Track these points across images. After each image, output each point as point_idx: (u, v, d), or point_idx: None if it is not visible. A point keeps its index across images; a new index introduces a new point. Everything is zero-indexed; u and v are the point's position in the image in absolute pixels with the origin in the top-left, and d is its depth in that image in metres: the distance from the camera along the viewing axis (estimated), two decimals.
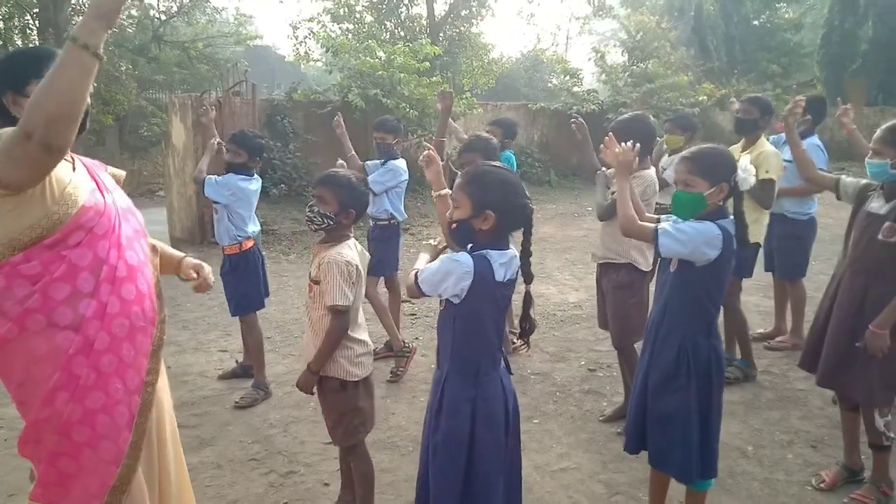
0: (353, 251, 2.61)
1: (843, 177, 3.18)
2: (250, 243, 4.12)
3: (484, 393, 2.10)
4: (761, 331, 4.94)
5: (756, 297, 5.80)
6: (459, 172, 3.73)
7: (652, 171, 3.47)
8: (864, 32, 19.55)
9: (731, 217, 2.49)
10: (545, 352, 4.77)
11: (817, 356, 2.96)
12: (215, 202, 4.03)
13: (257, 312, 4.21)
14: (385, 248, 4.55)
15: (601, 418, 3.71)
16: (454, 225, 2.09)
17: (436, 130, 4.27)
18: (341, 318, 2.53)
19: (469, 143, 3.48)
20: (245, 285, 4.10)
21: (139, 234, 1.97)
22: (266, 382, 4.14)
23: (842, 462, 3.07)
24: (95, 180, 1.88)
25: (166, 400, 2.07)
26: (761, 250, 4.40)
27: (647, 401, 2.54)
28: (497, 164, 2.22)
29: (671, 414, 2.45)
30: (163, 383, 2.04)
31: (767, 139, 4.42)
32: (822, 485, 3.00)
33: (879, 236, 2.76)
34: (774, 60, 19.95)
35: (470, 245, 2.10)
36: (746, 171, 2.42)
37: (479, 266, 2.00)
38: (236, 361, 4.45)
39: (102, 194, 1.86)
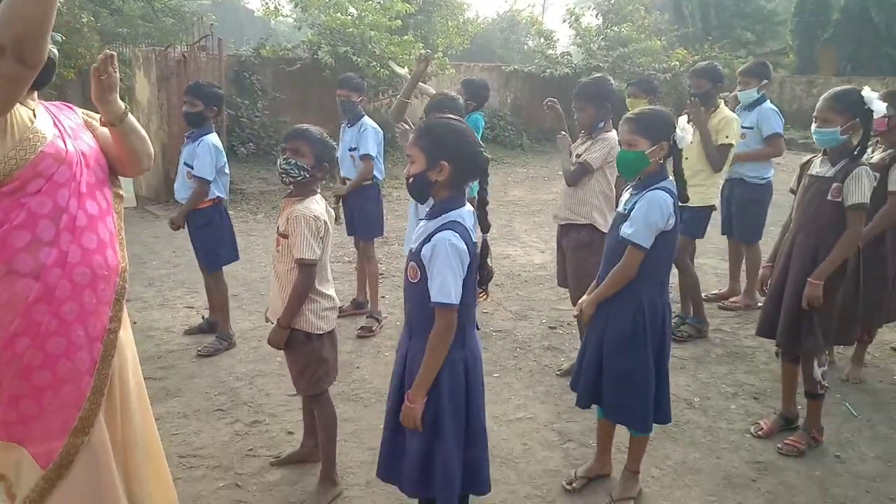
0: (320, 206, 2.66)
1: None
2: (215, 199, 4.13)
3: (471, 351, 2.15)
4: (716, 292, 5.12)
5: (714, 259, 5.99)
6: None
7: (613, 133, 3.54)
8: (836, 2, 19.68)
9: (672, 177, 2.60)
10: (508, 310, 4.89)
11: (774, 323, 3.07)
12: (187, 164, 4.00)
13: (233, 267, 4.24)
14: (372, 209, 4.58)
15: (558, 372, 3.86)
16: (411, 179, 2.11)
17: (403, 90, 4.27)
18: (308, 271, 2.59)
19: (435, 101, 3.51)
20: (223, 238, 4.16)
21: (103, 183, 1.98)
22: (230, 334, 4.21)
23: (779, 411, 3.26)
24: (59, 127, 1.89)
25: (130, 351, 2.10)
26: (717, 214, 4.54)
27: (601, 358, 2.64)
28: (449, 115, 2.24)
29: (630, 371, 2.56)
30: (127, 336, 2.07)
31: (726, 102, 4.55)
32: (759, 432, 3.19)
33: (828, 197, 2.89)
34: (749, 28, 20.08)
35: (433, 208, 2.12)
36: (684, 129, 2.53)
37: (465, 237, 2.03)
38: (203, 317, 4.49)
39: (64, 140, 1.87)
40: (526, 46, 23.65)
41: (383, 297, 5.10)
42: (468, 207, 2.13)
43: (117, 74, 1.95)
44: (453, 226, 2.04)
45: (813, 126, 2.93)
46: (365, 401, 3.56)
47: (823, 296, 2.87)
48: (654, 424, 2.70)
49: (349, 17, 9.82)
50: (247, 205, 8.24)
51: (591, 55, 12.95)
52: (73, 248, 1.83)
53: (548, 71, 12.90)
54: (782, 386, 3.28)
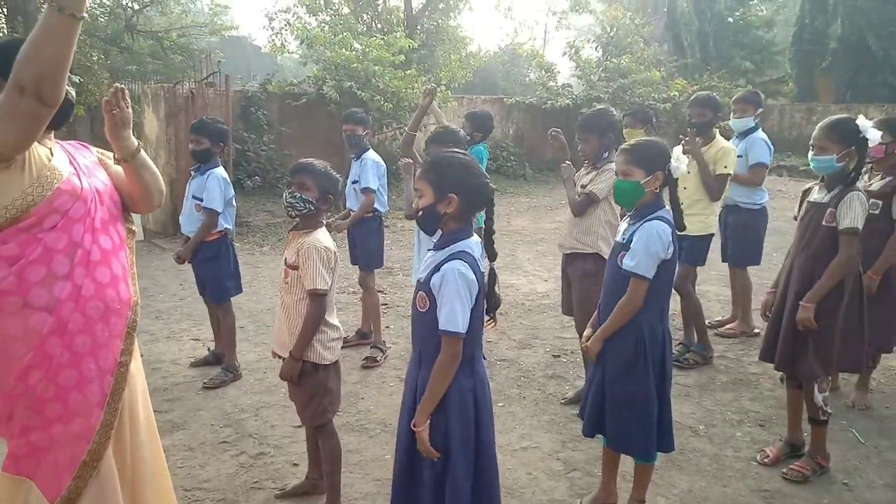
0: (328, 237, 2.72)
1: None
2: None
3: (479, 377, 2.18)
4: (719, 318, 5.13)
5: (716, 286, 6.00)
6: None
7: None
8: (833, 31, 19.94)
9: (668, 206, 2.65)
10: (512, 339, 4.91)
11: (776, 348, 3.10)
12: (196, 197, 4.08)
13: (238, 300, 4.29)
14: (373, 241, 4.63)
15: (562, 401, 3.86)
16: (420, 213, 2.16)
17: (410, 123, 4.36)
18: (320, 301, 2.63)
19: (436, 134, 3.57)
20: (230, 269, 4.21)
21: (115, 219, 2.04)
22: (236, 365, 4.23)
23: (785, 438, 3.25)
24: (74, 164, 1.96)
25: (140, 383, 2.13)
26: (716, 241, 4.57)
27: (604, 386, 2.66)
28: (454, 149, 2.30)
29: (632, 399, 2.58)
30: (137, 368, 2.11)
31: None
32: (766, 460, 3.18)
33: (823, 222, 2.94)
34: (747, 57, 20.31)
35: (440, 234, 2.17)
36: (679, 160, 2.59)
37: (473, 267, 2.07)
38: (208, 349, 4.52)
39: (80, 178, 1.93)
40: (527, 78, 23.97)
41: (387, 327, 5.13)
42: (475, 238, 2.18)
43: (129, 109, 2.01)
44: (462, 255, 2.08)
45: (810, 154, 2.99)
46: (370, 431, 3.57)
47: (819, 320, 2.90)
48: (658, 453, 2.71)
49: (353, 52, 10.02)
50: (253, 237, 8.31)
51: (592, 86, 13.14)
52: (86, 282, 1.88)
53: (549, 102, 13.07)
54: (787, 412, 3.27)
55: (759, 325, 4.86)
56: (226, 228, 4.14)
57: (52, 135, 1.98)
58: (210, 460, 3.26)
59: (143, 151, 2.10)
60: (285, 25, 19.74)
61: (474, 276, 2.06)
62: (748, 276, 4.85)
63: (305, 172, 2.73)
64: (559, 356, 4.57)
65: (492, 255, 2.21)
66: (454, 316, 2.03)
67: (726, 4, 21.46)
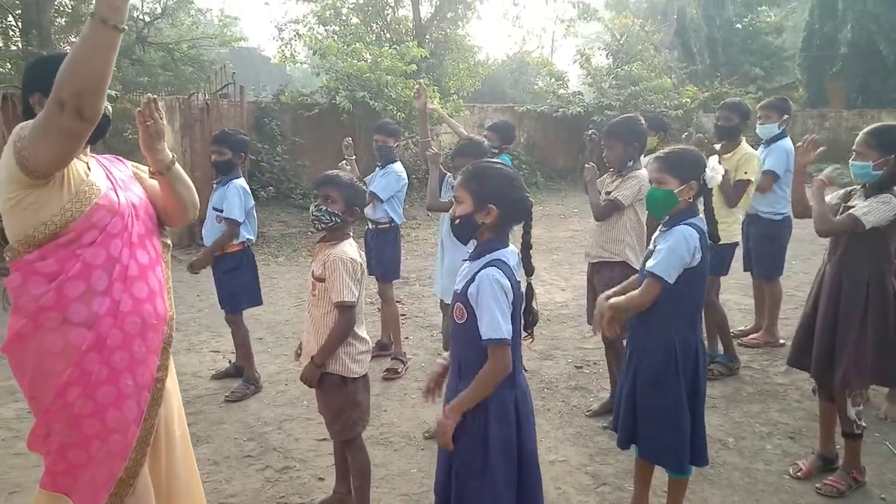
0: (354, 249, 2.70)
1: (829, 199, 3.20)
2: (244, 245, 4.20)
3: (521, 388, 2.16)
4: (742, 328, 5.08)
5: (736, 295, 5.95)
6: (448, 173, 3.84)
7: (644, 171, 3.58)
8: (843, 36, 19.89)
9: (702, 215, 2.61)
10: (533, 350, 4.87)
11: (805, 353, 3.07)
12: (216, 209, 4.08)
13: (257, 311, 4.29)
14: (389, 252, 4.62)
15: (587, 413, 3.82)
16: (457, 220, 2.15)
17: (418, 131, 4.36)
18: (348, 313, 2.61)
19: (462, 147, 3.56)
20: (249, 281, 4.21)
21: (151, 233, 2.04)
22: (256, 377, 4.22)
23: (818, 451, 3.20)
24: (111, 179, 1.95)
25: (175, 399, 2.13)
26: (739, 250, 4.53)
27: (636, 398, 2.64)
28: (492, 160, 2.28)
29: (663, 409, 2.55)
30: (172, 384, 2.10)
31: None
32: (798, 473, 3.12)
33: None
34: (757, 63, 20.30)
35: (474, 244, 2.16)
36: (714, 169, 2.55)
37: (507, 274, 2.05)
38: (229, 361, 4.51)
39: (117, 193, 1.93)
40: (536, 86, 24.01)
41: (406, 338, 5.10)
42: (512, 248, 2.16)
43: (163, 121, 2.01)
44: (496, 263, 2.07)
45: (850, 159, 2.96)
46: (394, 445, 3.54)
47: (853, 327, 2.87)
48: (692, 467, 2.66)
49: (365, 62, 10.05)
50: (268, 248, 8.32)
51: (603, 94, 13.12)
52: (124, 297, 1.88)
53: (560, 110, 13.06)
54: (820, 425, 3.22)
55: (784, 335, 4.83)
56: (247, 239, 4.14)
57: (89, 149, 1.98)
58: (235, 474, 3.24)
59: (177, 164, 2.09)
60: (295, 36, 19.87)
61: (509, 283, 2.04)
62: (779, 286, 4.78)
63: (331, 185, 2.72)
64: (581, 367, 4.53)
65: (529, 269, 2.19)
66: (496, 323, 2.00)
67: (735, 11, 21.48)
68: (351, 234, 2.79)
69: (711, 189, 2.57)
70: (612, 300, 2.60)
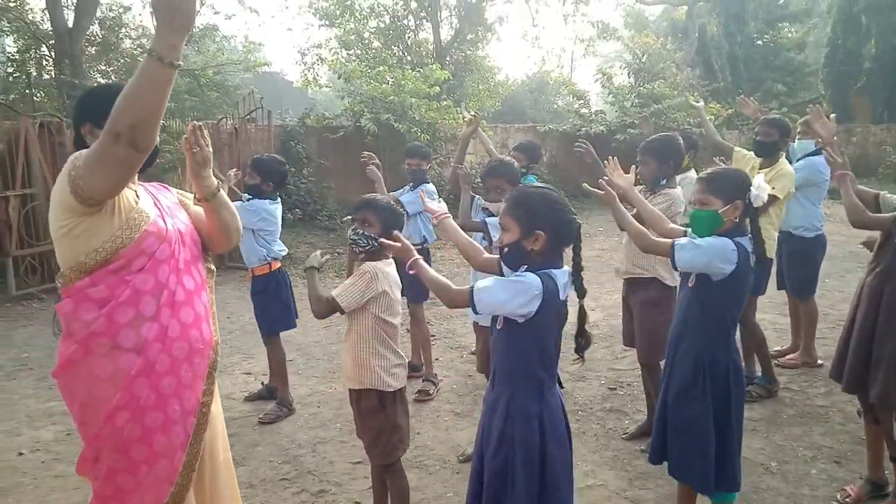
0: (390, 268, 2.72)
1: (884, 193, 3.21)
2: (277, 264, 4.23)
3: (549, 408, 2.14)
4: (778, 348, 4.98)
5: (771, 314, 5.84)
6: (477, 196, 3.84)
7: (678, 190, 3.56)
8: (867, 51, 19.71)
9: (749, 235, 2.58)
10: (565, 371, 4.80)
11: (844, 366, 3.02)
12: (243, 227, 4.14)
13: (287, 332, 4.32)
14: None
15: (624, 436, 3.76)
16: (506, 249, 2.15)
17: (456, 156, 4.37)
18: (328, 308, 2.62)
19: (492, 167, 3.57)
20: (276, 305, 4.21)
21: (197, 259, 2.06)
22: (290, 400, 4.22)
23: (866, 476, 3.11)
24: (158, 206, 1.98)
25: (219, 424, 2.14)
26: (774, 267, 4.46)
27: (667, 411, 2.64)
28: (538, 184, 2.27)
29: (689, 424, 2.55)
30: (217, 409, 2.11)
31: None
32: (847, 499, 3.03)
33: (893, 240, 2.85)
34: (779, 79, 20.14)
35: (525, 266, 2.15)
36: (760, 188, 2.52)
37: (547, 285, 2.04)
38: (262, 384, 4.52)
39: (164, 219, 1.96)
40: (555, 105, 24.07)
41: (437, 359, 5.08)
42: (564, 269, 2.15)
43: (209, 148, 2.03)
44: (542, 275, 2.07)
45: None
46: (429, 468, 3.51)
47: (893, 339, 2.80)
48: (735, 494, 2.61)
49: (388, 85, 10.14)
50: (295, 269, 8.33)
51: (625, 112, 13.10)
52: (172, 322, 1.89)
53: (583, 129, 13.06)
54: (867, 449, 3.13)
55: (822, 355, 4.73)
56: (274, 260, 4.16)
57: (136, 177, 2.01)
58: (272, 498, 3.23)
59: (222, 190, 2.12)
60: (317, 60, 20.17)
61: (540, 293, 2.02)
62: (814, 306, 4.70)
63: (368, 208, 2.73)
64: (615, 389, 4.47)
65: (581, 291, 2.18)
66: (488, 292, 2.06)
67: (755, 27, 21.39)
68: (390, 255, 2.79)
69: (758, 209, 2.53)
70: (631, 192, 2.84)
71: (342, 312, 2.65)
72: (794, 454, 3.52)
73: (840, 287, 6.76)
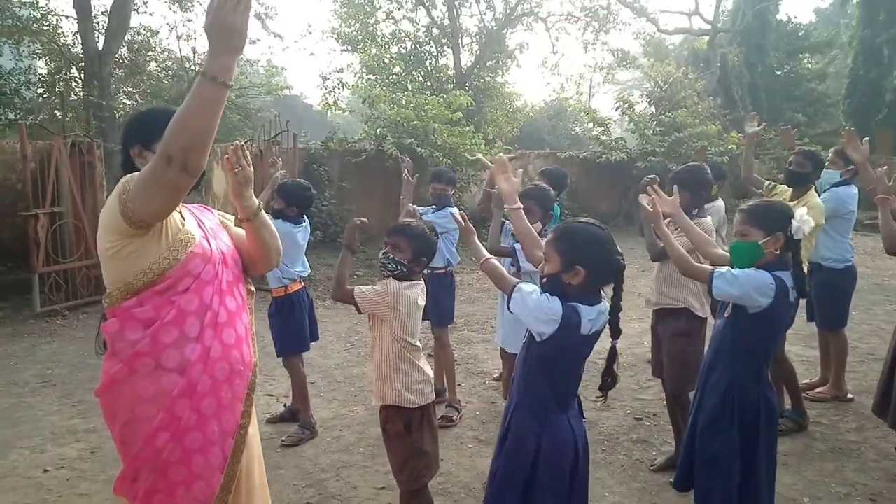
0: (415, 290, 2.74)
1: None
2: (296, 286, 4.25)
3: (550, 431, 2.14)
4: (807, 381, 4.89)
5: (798, 346, 5.76)
6: (506, 221, 3.85)
7: (709, 219, 3.55)
8: (888, 83, 19.64)
9: (790, 269, 2.55)
10: (589, 400, 4.75)
11: (887, 402, 2.97)
12: None
13: (302, 356, 4.32)
14: (446, 296, 4.63)
15: (652, 468, 3.70)
16: (545, 279, 2.17)
17: (487, 181, 4.40)
18: (346, 296, 2.72)
19: (526, 191, 3.58)
20: (288, 327, 4.21)
21: (238, 279, 2.07)
22: (312, 422, 4.21)
23: None
24: (202, 228, 2.00)
25: (256, 446, 2.13)
26: (803, 300, 4.40)
27: (695, 440, 2.62)
28: (588, 219, 2.26)
29: (715, 456, 2.52)
30: (254, 430, 2.11)
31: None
32: None
33: None
34: (800, 110, 20.12)
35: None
36: (802, 221, 2.50)
37: (567, 316, 2.06)
38: (284, 405, 4.52)
39: (209, 241, 1.97)
40: (573, 132, 24.16)
41: (459, 384, 5.04)
42: (598, 305, 2.14)
43: (251, 168, 2.04)
44: (566, 307, 2.08)
45: None
46: (454, 496, 3.47)
47: None
48: None
49: (411, 110, 10.25)
50: (315, 291, 8.38)
51: (647, 140, 13.12)
52: (215, 343, 1.90)
53: (603, 156, 13.09)
54: None
55: (852, 389, 4.65)
56: (288, 284, 4.18)
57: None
58: None
59: (263, 211, 2.14)
60: (338, 85, 20.45)
61: (558, 318, 2.04)
62: (844, 338, 4.63)
63: (401, 234, 2.76)
64: (641, 419, 4.41)
65: (615, 331, 2.17)
66: (524, 294, 2.12)
67: (776, 58, 21.42)
68: (420, 279, 2.81)
69: (799, 241, 2.51)
70: (675, 212, 2.87)
71: (359, 311, 2.73)
72: (826, 490, 3.44)
73: (868, 320, 6.66)
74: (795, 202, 4.13)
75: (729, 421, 2.49)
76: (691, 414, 2.71)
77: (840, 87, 21.58)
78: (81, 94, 14.38)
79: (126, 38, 13.75)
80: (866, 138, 3.40)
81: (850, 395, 4.58)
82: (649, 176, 3.87)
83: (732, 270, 2.51)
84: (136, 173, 1.78)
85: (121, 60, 15.02)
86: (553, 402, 2.16)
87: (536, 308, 2.08)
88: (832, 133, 20.47)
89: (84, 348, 5.94)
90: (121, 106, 13.89)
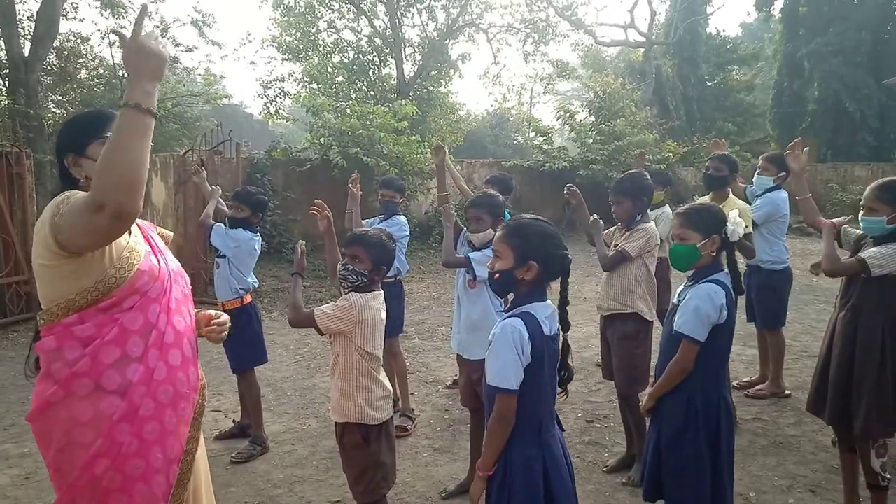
0: (375, 302, 2.70)
1: (846, 227, 3.32)
2: (249, 298, 4.15)
3: (550, 450, 2.10)
4: (747, 379, 5.09)
5: (737, 346, 5.97)
6: (464, 227, 3.86)
7: (652, 224, 3.65)
8: (810, 94, 20.77)
9: (726, 270, 2.64)
10: None
11: (822, 399, 3.09)
12: (219, 256, 4.08)
13: (256, 368, 4.22)
14: (395, 305, 4.57)
15: (605, 469, 3.76)
16: (496, 276, 2.15)
17: (437, 185, 4.39)
18: (305, 319, 2.67)
19: (476, 199, 3.60)
20: (246, 340, 4.10)
21: (187, 298, 1.98)
22: (264, 438, 4.10)
23: None
24: (150, 243, 1.91)
25: (203, 470, 2.03)
26: (742, 300, 4.57)
27: (661, 450, 2.62)
28: (536, 215, 2.26)
29: (684, 464, 2.53)
30: (201, 453, 2.01)
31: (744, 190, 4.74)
32: None
33: (862, 274, 2.96)
34: (730, 119, 21.04)
35: (512, 298, 2.16)
36: (736, 223, 2.60)
37: (531, 326, 2.03)
38: (233, 421, 4.39)
39: (157, 257, 1.88)
40: (515, 141, 24.55)
41: (412, 393, 5.01)
42: (547, 303, 2.15)
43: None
44: (522, 315, 2.06)
45: (860, 214, 3.02)
46: None
47: (871, 374, 2.90)
48: None
49: (357, 119, 10.19)
50: (261, 303, 8.21)
51: (588, 149, 13.44)
52: (159, 364, 1.81)
53: (546, 165, 13.32)
54: (842, 478, 3.20)
55: (789, 385, 4.85)
56: (243, 295, 4.09)
57: None
58: None
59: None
60: (280, 94, 20.18)
61: (528, 336, 2.01)
62: (782, 337, 4.83)
63: (359, 244, 2.72)
64: (592, 421, 4.48)
65: (565, 325, 2.18)
66: (505, 371, 2.00)
67: (707, 70, 22.36)
68: (380, 290, 2.78)
69: (734, 243, 2.61)
70: (654, 388, 2.65)
71: (319, 333, 2.67)
72: (770, 484, 3.57)
73: (800, 319, 6.98)
74: (722, 205, 4.31)
75: (695, 429, 2.52)
76: (653, 422, 2.70)
77: (766, 98, 22.71)
78: (6, 102, 13.73)
79: (55, 45, 13.19)
80: (806, 148, 3.56)
81: (787, 392, 4.78)
82: (570, 186, 3.97)
83: (690, 314, 2.51)
84: (72, 195, 1.66)
85: (49, 67, 14.41)
86: (546, 417, 2.13)
87: (512, 354, 2.00)
88: (760, 141, 21.52)
89: (15, 368, 5.62)
90: (49, 115, 13.32)
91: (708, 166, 4.56)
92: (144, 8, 1.70)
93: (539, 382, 2.09)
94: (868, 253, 2.93)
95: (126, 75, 1.60)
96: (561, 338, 2.18)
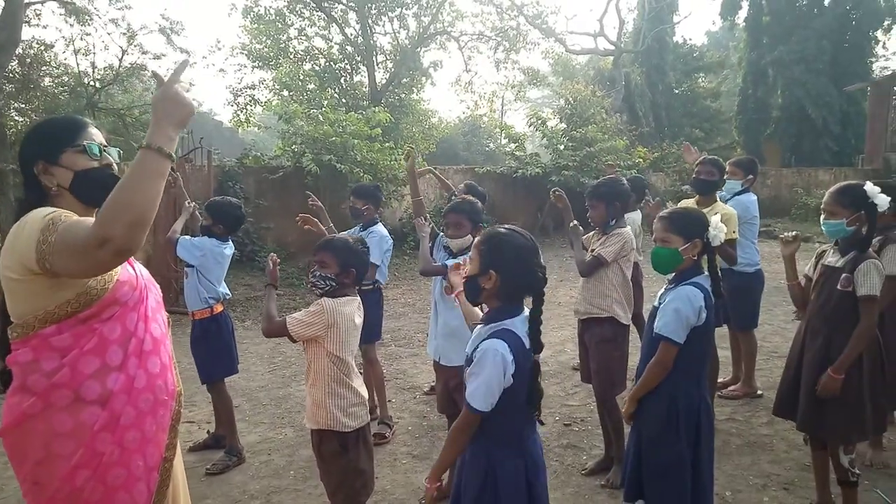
0: (350, 307, 2.68)
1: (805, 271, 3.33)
2: (220, 307, 4.09)
3: (531, 457, 2.10)
4: (720, 380, 5.15)
5: None
6: (441, 233, 3.86)
7: (628, 229, 3.69)
8: (774, 100, 21.31)
9: (706, 273, 2.69)
10: None
11: (791, 403, 3.13)
12: (187, 265, 4.02)
13: (231, 377, 4.16)
14: (373, 313, 4.55)
15: (583, 472, 3.78)
16: (465, 280, 2.16)
17: (411, 190, 4.39)
18: (277, 328, 2.65)
19: (455, 204, 3.61)
20: (216, 350, 4.04)
21: (160, 306, 1.97)
22: (239, 448, 4.04)
23: (815, 501, 3.23)
24: None
25: (180, 475, 2.01)
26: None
27: (642, 451, 2.65)
28: (514, 227, 2.21)
29: (666, 466, 2.56)
30: (178, 460, 1.99)
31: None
32: None
33: (838, 286, 3.01)
34: (697, 126, 21.47)
35: (488, 313, 2.14)
36: (717, 228, 2.64)
37: (514, 345, 2.00)
38: (207, 432, 4.31)
39: (132, 266, 1.87)
40: (487, 148, 24.70)
41: (390, 400, 4.98)
42: (523, 316, 2.11)
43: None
44: (504, 335, 2.03)
45: (821, 218, 3.09)
46: None
47: (844, 383, 2.93)
48: None
49: (330, 126, 10.15)
50: (234, 311, 8.09)
51: (560, 155, 13.56)
52: (139, 372, 1.79)
53: (519, 171, 13.42)
54: (815, 475, 3.27)
55: (761, 385, 4.94)
56: (213, 304, 4.04)
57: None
58: None
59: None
60: (250, 101, 20.02)
61: (511, 358, 1.99)
62: (754, 339, 4.92)
63: (325, 249, 2.74)
64: (570, 425, 4.50)
65: (536, 346, 2.09)
66: (479, 392, 1.99)
67: (675, 77, 22.79)
68: (355, 294, 2.77)
69: (715, 247, 2.65)
70: (633, 389, 2.68)
71: (292, 340, 2.65)
72: (745, 483, 3.62)
73: (769, 320, 7.11)
74: (707, 209, 4.37)
75: (676, 430, 2.54)
76: (634, 425, 2.72)
77: (732, 105, 23.23)
78: None
79: (17, 52, 12.90)
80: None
81: (759, 392, 4.86)
82: (557, 190, 4.01)
83: (669, 316, 2.56)
84: (56, 220, 1.62)
85: (11, 75, 14.09)
86: (527, 426, 2.12)
87: (495, 375, 1.98)
88: (727, 147, 21.98)
89: None
90: (12, 123, 13.01)
91: (699, 171, 4.58)
92: (186, 61, 1.76)
93: (519, 398, 2.06)
94: (866, 290, 2.89)
95: (150, 115, 1.63)
96: (532, 360, 2.10)
